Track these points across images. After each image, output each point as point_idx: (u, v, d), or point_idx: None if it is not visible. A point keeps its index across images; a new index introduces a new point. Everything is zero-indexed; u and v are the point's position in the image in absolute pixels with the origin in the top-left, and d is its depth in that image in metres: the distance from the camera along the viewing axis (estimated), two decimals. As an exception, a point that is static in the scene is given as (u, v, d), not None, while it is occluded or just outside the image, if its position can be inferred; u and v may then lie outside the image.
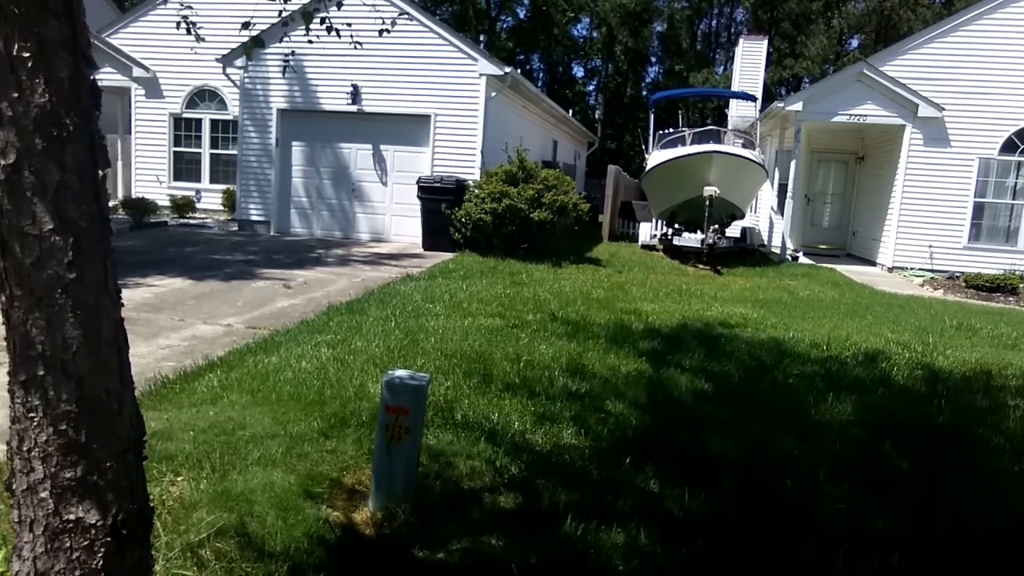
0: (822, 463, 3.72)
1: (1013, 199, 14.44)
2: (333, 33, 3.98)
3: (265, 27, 13.76)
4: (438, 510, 3.03)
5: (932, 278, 13.86)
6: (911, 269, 14.47)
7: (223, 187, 15.86)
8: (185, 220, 15.51)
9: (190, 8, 4.08)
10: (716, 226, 13.89)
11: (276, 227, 14.52)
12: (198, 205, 16.01)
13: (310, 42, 3.74)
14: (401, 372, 3.10)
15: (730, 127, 18.85)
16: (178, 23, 3.94)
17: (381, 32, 4.43)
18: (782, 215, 15.99)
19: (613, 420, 4.25)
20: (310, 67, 13.73)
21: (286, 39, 13.49)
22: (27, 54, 1.50)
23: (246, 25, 3.74)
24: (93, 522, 1.70)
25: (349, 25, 4.11)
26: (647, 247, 15.41)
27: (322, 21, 3.84)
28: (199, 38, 4.09)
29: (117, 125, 15.97)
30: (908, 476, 3.73)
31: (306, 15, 3.61)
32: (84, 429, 1.66)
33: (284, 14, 3.78)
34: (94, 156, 1.63)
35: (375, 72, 13.48)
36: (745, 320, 7.59)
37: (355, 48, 5.18)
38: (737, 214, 14.64)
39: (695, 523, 3.07)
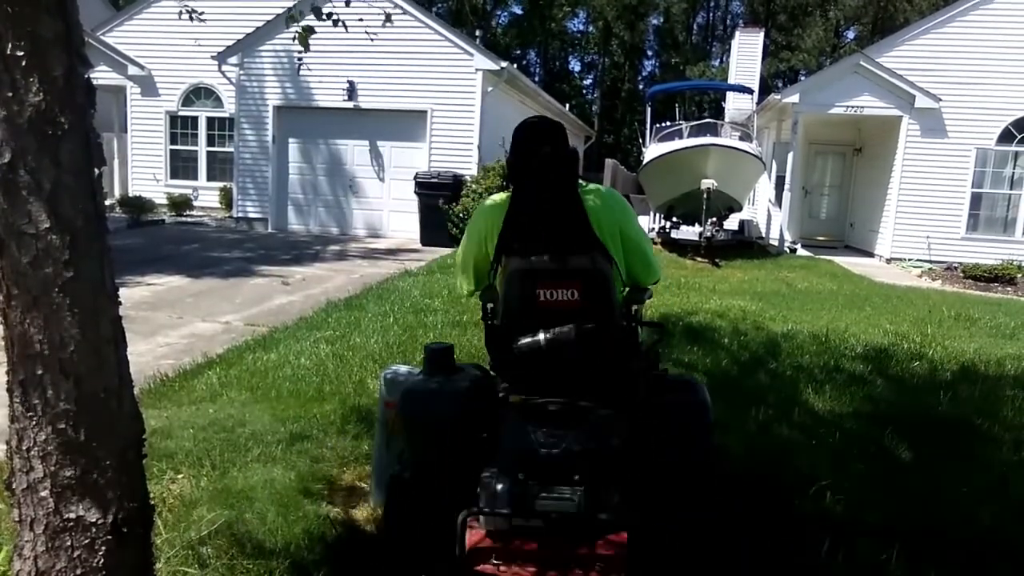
0: (822, 454, 3.72)
1: (1010, 189, 14.45)
2: (339, 26, 3.96)
3: (261, 24, 13.76)
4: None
5: (930, 269, 13.87)
6: (909, 260, 14.48)
7: (220, 184, 15.83)
8: (182, 218, 15.48)
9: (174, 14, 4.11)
10: (714, 219, 13.87)
11: (273, 224, 14.50)
12: (195, 203, 15.98)
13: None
14: (400, 368, 3.10)
15: (727, 120, 18.82)
16: (180, 12, 3.96)
17: (385, 21, 4.41)
18: (780, 207, 15.98)
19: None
20: (306, 64, 13.68)
21: (281, 36, 13.48)
22: (21, 52, 1.50)
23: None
24: (93, 520, 1.70)
25: (361, 19, 4.11)
26: (645, 241, 15.39)
27: (329, 16, 3.83)
28: (198, 19, 4.11)
29: (113, 123, 15.92)
30: (908, 466, 3.74)
31: (303, 32, 3.65)
32: (83, 428, 1.66)
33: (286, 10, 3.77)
34: (89, 154, 1.62)
35: (371, 68, 13.44)
36: (744, 312, 7.60)
37: (371, 40, 5.14)
38: (735, 207, 14.63)
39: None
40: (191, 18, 3.94)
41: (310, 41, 3.73)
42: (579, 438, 2.09)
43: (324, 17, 3.76)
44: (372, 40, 4.82)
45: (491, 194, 2.91)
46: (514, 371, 2.40)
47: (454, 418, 2.22)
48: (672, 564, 2.11)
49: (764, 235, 16.86)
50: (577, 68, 48.46)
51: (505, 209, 2.35)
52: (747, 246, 15.22)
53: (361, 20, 4.09)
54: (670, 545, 2.10)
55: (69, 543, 1.70)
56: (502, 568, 1.98)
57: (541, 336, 2.28)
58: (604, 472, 2.04)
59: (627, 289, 2.47)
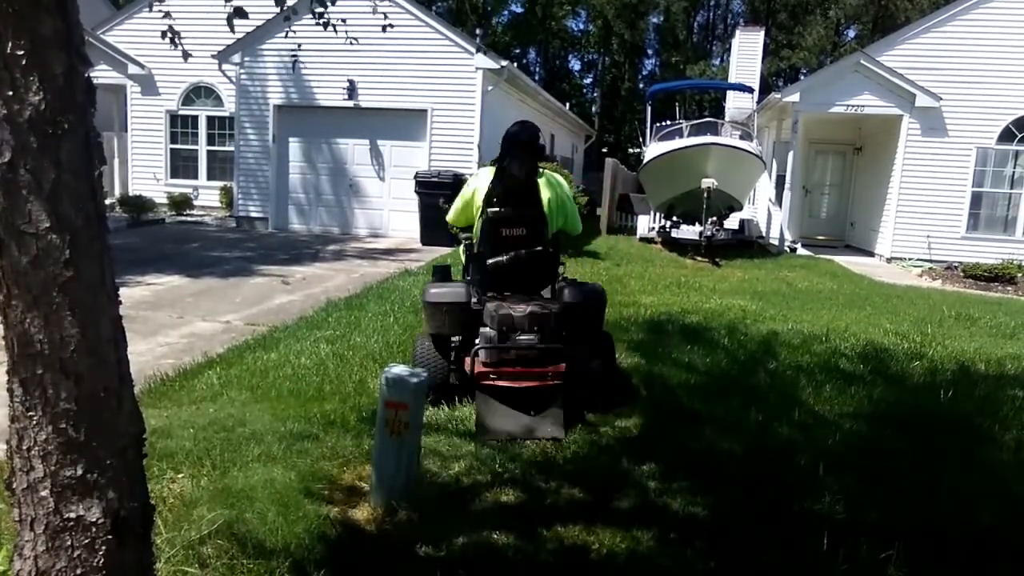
0: (822, 454, 3.72)
1: (1011, 188, 14.44)
2: (330, 29, 3.97)
3: (261, 23, 13.74)
4: (440, 506, 3.04)
5: (930, 268, 13.87)
6: (909, 259, 14.48)
7: (220, 184, 15.82)
8: (183, 217, 15.48)
9: (173, 13, 4.01)
10: (714, 218, 13.86)
11: (274, 223, 14.50)
12: (195, 202, 15.97)
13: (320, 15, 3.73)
14: (400, 367, 3.10)
15: (727, 119, 18.81)
16: (163, 33, 3.90)
17: (384, 28, 4.46)
18: (780, 207, 15.98)
19: (612, 415, 4.25)
20: (306, 62, 13.67)
21: (280, 34, 13.46)
22: (21, 52, 1.49)
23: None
24: (94, 520, 1.70)
25: (343, 21, 4.10)
26: (645, 240, 15.40)
27: (320, 16, 3.83)
28: (186, 55, 4.07)
29: (113, 122, 15.92)
30: (908, 466, 3.73)
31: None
32: (83, 427, 1.66)
33: (285, 8, 3.70)
34: (90, 154, 1.62)
35: (371, 67, 13.44)
36: (743, 312, 7.59)
37: (351, 43, 5.19)
38: (735, 206, 14.62)
39: (696, 518, 3.07)
40: (173, 43, 3.86)
41: (309, 41, 3.73)
42: (533, 309, 3.95)
43: (323, 18, 3.75)
44: (371, 39, 4.83)
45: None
46: (486, 278, 4.21)
47: (465, 301, 4.11)
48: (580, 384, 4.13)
49: (764, 234, 16.86)
50: (577, 67, 48.50)
51: (491, 179, 4.18)
52: (747, 245, 15.22)
53: (344, 21, 4.09)
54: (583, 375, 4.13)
55: (69, 543, 1.69)
56: (498, 381, 3.88)
57: (504, 257, 4.17)
58: (548, 327, 3.92)
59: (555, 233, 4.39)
